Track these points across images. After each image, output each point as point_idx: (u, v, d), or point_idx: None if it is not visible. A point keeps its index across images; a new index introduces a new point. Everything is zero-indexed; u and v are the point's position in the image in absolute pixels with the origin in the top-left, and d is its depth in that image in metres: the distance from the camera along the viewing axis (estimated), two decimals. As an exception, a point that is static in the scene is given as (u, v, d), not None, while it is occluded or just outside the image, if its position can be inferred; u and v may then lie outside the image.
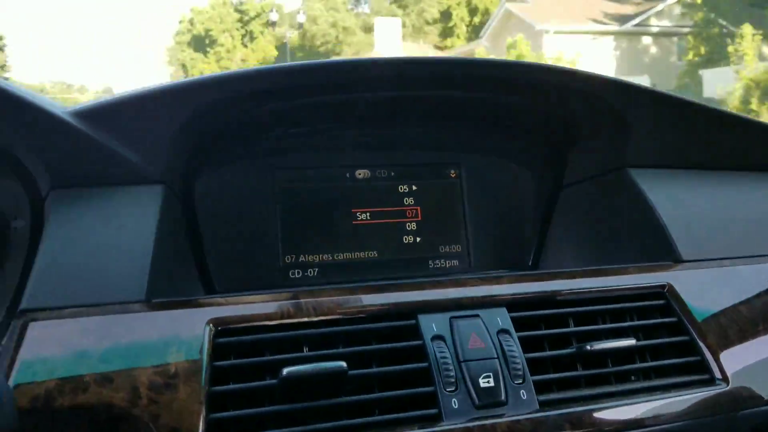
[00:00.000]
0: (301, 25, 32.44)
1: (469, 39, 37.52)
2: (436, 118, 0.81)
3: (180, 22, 45.74)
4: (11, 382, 0.45)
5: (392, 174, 0.82)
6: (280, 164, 0.79)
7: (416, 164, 0.84)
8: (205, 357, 0.50)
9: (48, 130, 0.56)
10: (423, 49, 33.24)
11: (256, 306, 0.55)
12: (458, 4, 36.83)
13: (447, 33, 37.46)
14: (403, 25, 36.42)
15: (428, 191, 0.84)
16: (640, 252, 0.76)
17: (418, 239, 0.82)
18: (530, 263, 0.87)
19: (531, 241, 0.87)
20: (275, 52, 42.74)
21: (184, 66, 45.19)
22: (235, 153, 0.76)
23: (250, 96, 0.67)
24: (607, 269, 0.68)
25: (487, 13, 36.54)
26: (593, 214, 0.82)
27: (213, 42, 42.31)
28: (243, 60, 41.79)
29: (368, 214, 0.81)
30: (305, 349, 0.54)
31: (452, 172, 0.85)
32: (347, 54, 34.29)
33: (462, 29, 37.41)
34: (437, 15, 36.47)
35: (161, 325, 0.51)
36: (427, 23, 36.86)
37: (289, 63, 0.66)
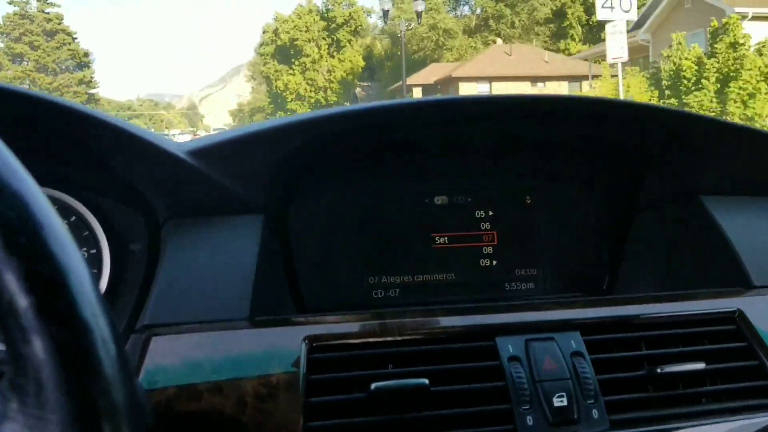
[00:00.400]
0: (410, 23, 28.95)
1: (585, 40, 32.78)
2: (513, 147, 0.85)
3: (263, 32, 43.79)
4: None
5: (469, 200, 0.86)
6: (364, 191, 0.83)
7: (492, 190, 0.87)
8: (302, 370, 0.55)
9: (167, 167, 0.62)
10: (537, 51, 28.51)
11: (347, 325, 0.60)
12: (573, 1, 32.22)
13: (560, 34, 32.95)
14: (511, 25, 32.24)
15: (504, 216, 0.87)
16: (712, 277, 0.78)
17: (494, 262, 0.85)
18: (603, 287, 0.89)
19: (604, 265, 0.89)
20: (362, 62, 39.66)
21: (268, 78, 42.66)
22: (324, 182, 0.82)
23: (344, 134, 0.74)
24: (678, 294, 0.71)
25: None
26: (665, 239, 0.85)
27: (298, 52, 39.75)
28: (329, 71, 38.94)
29: (446, 238, 0.84)
30: (390, 366, 0.58)
31: (527, 197, 0.87)
32: (447, 59, 30.36)
33: (577, 30, 32.74)
34: (549, 14, 31.96)
35: (263, 341, 0.57)
36: (538, 23, 32.46)
37: (386, 102, 0.72)
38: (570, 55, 29.16)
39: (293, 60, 40.06)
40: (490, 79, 26.13)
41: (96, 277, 0.60)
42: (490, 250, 0.86)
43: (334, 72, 39.26)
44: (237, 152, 0.66)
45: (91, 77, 55.56)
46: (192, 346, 0.55)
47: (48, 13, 52.68)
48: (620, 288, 0.88)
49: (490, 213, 0.87)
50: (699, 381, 0.62)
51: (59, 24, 53.46)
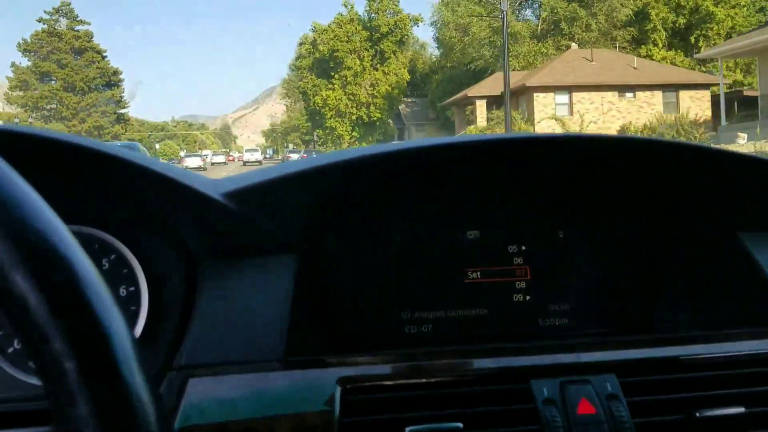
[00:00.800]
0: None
1: (670, 46, 28.45)
2: (547, 182, 0.85)
3: (300, 44, 40.72)
4: (176, 426, 0.54)
5: (501, 234, 0.85)
6: (396, 227, 0.83)
7: (525, 225, 0.86)
8: (336, 413, 0.55)
9: (204, 209, 0.63)
10: (621, 56, 24.11)
11: (380, 367, 0.61)
12: (657, 1, 27.94)
13: (640, 39, 28.71)
14: (587, 28, 28.13)
15: (537, 251, 0.86)
16: (750, 315, 0.77)
17: (527, 297, 0.85)
18: (638, 322, 0.88)
19: (638, 301, 0.88)
20: (407, 76, 35.91)
21: (305, 93, 39.20)
22: (356, 219, 0.82)
23: (381, 175, 0.75)
24: (716, 335, 0.70)
25: (696, 11, 27.56)
26: (702, 276, 0.84)
27: (339, 65, 36.33)
28: (372, 84, 35.25)
29: (479, 273, 0.84)
30: (423, 409, 0.58)
31: (560, 232, 0.86)
32: (513, 67, 26.26)
33: (661, 34, 28.38)
34: (631, 15, 27.72)
35: (298, 383, 0.58)
36: (616, 26, 28.27)
37: (425, 142, 0.72)
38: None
39: (333, 73, 36.38)
40: (570, 89, 22.14)
41: (134, 315, 0.64)
42: (522, 285, 0.85)
43: (377, 86, 35.57)
44: (273, 194, 0.66)
45: (121, 96, 53.28)
46: (228, 387, 0.57)
47: (77, 31, 50.55)
48: (655, 324, 0.86)
49: (523, 248, 0.85)
50: (739, 425, 0.60)
51: (88, 42, 51.23)
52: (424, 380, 0.59)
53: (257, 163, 45.16)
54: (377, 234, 0.82)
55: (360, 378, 0.58)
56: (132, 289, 0.65)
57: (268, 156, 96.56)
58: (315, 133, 41.21)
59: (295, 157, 32.91)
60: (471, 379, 0.60)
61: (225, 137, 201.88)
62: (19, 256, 0.28)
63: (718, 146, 0.76)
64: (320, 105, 36.82)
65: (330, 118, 37.03)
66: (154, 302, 0.65)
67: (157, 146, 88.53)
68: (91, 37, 49.70)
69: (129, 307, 0.64)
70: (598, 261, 0.87)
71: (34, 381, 0.61)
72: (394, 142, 0.87)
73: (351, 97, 36.53)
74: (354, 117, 36.68)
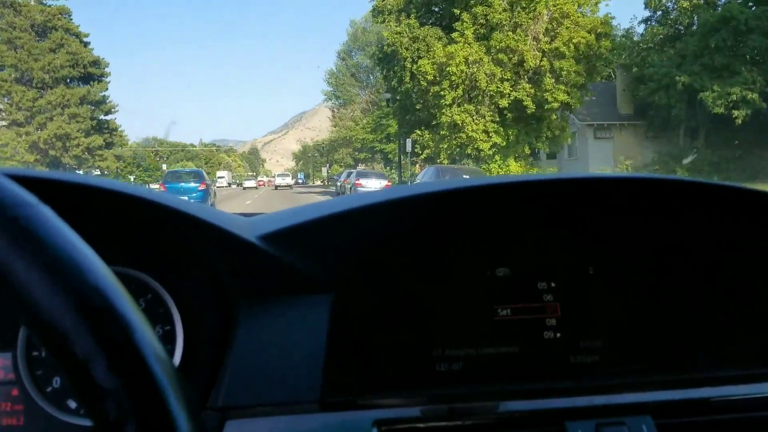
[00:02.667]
0: None
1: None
2: (577, 219, 0.85)
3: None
4: None
5: (531, 271, 0.84)
6: (428, 264, 0.83)
7: (554, 261, 0.85)
8: None
9: (239, 252, 0.65)
10: None
11: (415, 409, 0.62)
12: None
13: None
14: None
15: (567, 288, 0.85)
16: None
17: (558, 335, 0.83)
18: (672, 360, 0.87)
19: (673, 339, 0.86)
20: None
21: (392, 59, 22.52)
22: (390, 258, 0.82)
23: (417, 217, 0.76)
24: (752, 374, 0.69)
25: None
26: (738, 314, 0.83)
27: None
28: (550, 31, 18.24)
29: (509, 310, 0.83)
30: None
31: (590, 268, 0.85)
32: None
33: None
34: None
35: (335, 426, 0.59)
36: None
37: (462, 183, 0.73)
38: None
39: (456, 12, 19.06)
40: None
41: (169, 353, 0.65)
42: (553, 322, 0.84)
43: (560, 34, 18.15)
44: (309, 236, 0.68)
45: (104, 96, 39.09)
46: (265, 429, 0.58)
47: (47, 5, 35.99)
48: (689, 362, 0.85)
49: (553, 284, 0.85)
50: None
51: (61, 20, 36.06)
52: (459, 423, 0.60)
53: (288, 188, 46.53)
54: (409, 271, 0.82)
55: (396, 420, 0.59)
56: (167, 328, 0.66)
57: (300, 182, 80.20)
58: (411, 140, 22.53)
59: (371, 184, 18.47)
60: (506, 421, 0.60)
61: (253, 161, 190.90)
62: (81, 318, 0.29)
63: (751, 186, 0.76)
64: (429, 76, 18.82)
65: (450, 105, 18.70)
66: (190, 341, 0.66)
67: (164, 167, 72.18)
68: (68, 15, 35.64)
69: (165, 345, 0.65)
70: (630, 298, 0.86)
71: (72, 420, 0.62)
72: (445, 180, 0.85)
73: (501, 55, 18.30)
74: (505, 102, 18.59)
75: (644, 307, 0.85)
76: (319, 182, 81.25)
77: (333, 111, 56.53)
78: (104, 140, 37.97)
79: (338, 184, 25.25)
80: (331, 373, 0.64)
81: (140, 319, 0.33)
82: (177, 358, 0.64)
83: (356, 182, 19.17)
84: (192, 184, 15.61)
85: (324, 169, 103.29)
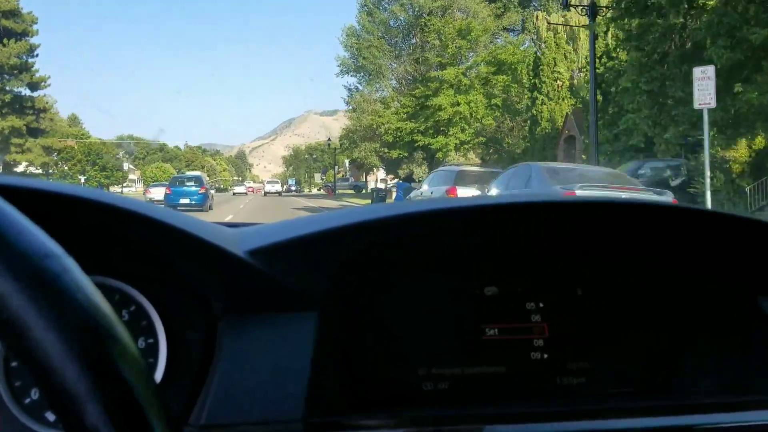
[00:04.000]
0: None
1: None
2: (567, 240, 0.84)
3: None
4: None
5: (519, 291, 0.84)
6: (414, 283, 0.82)
7: (543, 281, 0.85)
8: None
9: (226, 266, 0.64)
10: None
11: (399, 431, 0.63)
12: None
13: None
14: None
15: (555, 308, 0.84)
16: None
17: (545, 356, 0.83)
18: (659, 384, 0.86)
19: (660, 363, 0.86)
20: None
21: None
22: (376, 276, 0.82)
23: (406, 236, 0.75)
24: (740, 402, 0.70)
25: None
26: (724, 340, 0.83)
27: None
28: None
29: (496, 329, 0.82)
30: None
31: (579, 289, 0.85)
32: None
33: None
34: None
35: None
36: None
37: (450, 202, 0.74)
38: None
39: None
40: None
41: (151, 366, 0.64)
42: (540, 342, 0.83)
43: None
44: (298, 253, 0.67)
45: (27, 62, 28.59)
46: None
47: None
48: (675, 387, 0.85)
49: (541, 304, 0.84)
50: None
51: None
52: None
53: (276, 194, 47.85)
54: (395, 289, 0.81)
55: None
56: (151, 340, 0.65)
57: (293, 189, 70.26)
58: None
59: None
60: None
61: (240, 165, 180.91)
62: (70, 344, 0.30)
63: (736, 213, 0.77)
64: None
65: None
66: (173, 355, 0.65)
67: (126, 166, 60.40)
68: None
69: (147, 359, 0.64)
70: (617, 320, 0.85)
71: None
72: (415, 200, 0.85)
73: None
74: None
75: (632, 330, 0.84)
76: (315, 190, 70.74)
77: (350, 93, 35.67)
78: (26, 124, 27.23)
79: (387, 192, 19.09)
80: (315, 392, 0.63)
81: (122, 331, 0.33)
82: (159, 372, 0.64)
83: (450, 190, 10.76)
84: (193, 188, 18.84)
85: (318, 175, 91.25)
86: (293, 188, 70.96)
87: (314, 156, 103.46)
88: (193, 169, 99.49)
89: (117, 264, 0.65)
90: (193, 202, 18.81)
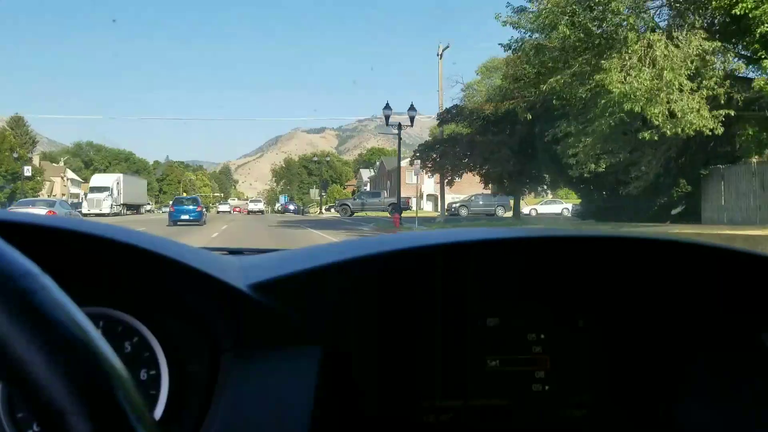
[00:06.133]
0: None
1: None
2: (569, 273, 0.84)
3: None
4: None
5: (521, 323, 0.83)
6: (417, 314, 0.82)
7: (544, 312, 0.84)
8: None
9: (230, 300, 0.64)
10: None
11: None
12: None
13: None
14: None
15: (557, 340, 0.84)
16: None
17: (546, 387, 0.83)
18: (660, 418, 0.86)
19: (661, 397, 0.86)
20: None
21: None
22: (380, 308, 0.81)
23: (410, 269, 0.75)
24: None
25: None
26: (726, 376, 0.83)
27: None
28: None
29: (498, 361, 0.82)
30: None
31: (580, 321, 0.84)
32: None
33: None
34: None
35: None
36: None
37: (453, 236, 0.73)
38: None
39: None
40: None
41: (153, 399, 0.64)
42: (542, 374, 0.83)
43: None
44: (301, 287, 0.67)
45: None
46: None
47: None
48: (677, 421, 0.85)
49: (542, 336, 0.84)
50: None
51: None
52: None
53: (260, 213, 49.76)
54: (398, 321, 0.80)
55: None
56: (153, 372, 0.65)
57: (292, 209, 54.84)
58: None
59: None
60: None
61: (224, 181, 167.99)
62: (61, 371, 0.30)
63: (740, 247, 0.77)
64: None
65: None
66: (175, 387, 0.64)
67: (28, 170, 45.71)
68: None
69: (149, 390, 0.64)
70: (619, 353, 0.85)
71: None
72: (420, 232, 0.84)
73: None
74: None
75: (633, 362, 0.83)
76: (326, 210, 53.45)
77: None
78: None
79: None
80: (318, 427, 0.63)
81: (103, 344, 0.33)
82: (161, 405, 0.63)
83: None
84: (191, 207, 24.03)
85: (313, 191, 75.53)
86: (291, 208, 55.51)
87: (308, 168, 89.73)
88: (168, 185, 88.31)
89: (120, 296, 0.64)
90: (192, 218, 23.54)
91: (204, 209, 25.79)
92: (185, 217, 23.36)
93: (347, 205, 37.60)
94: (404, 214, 26.03)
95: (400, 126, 24.49)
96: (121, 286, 0.64)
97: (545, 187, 30.93)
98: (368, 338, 0.78)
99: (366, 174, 74.42)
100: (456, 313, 0.81)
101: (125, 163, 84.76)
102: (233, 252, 0.83)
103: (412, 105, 25.04)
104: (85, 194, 48.90)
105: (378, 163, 71.62)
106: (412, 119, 24.82)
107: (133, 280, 0.64)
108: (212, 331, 0.66)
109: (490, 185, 27.19)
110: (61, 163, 79.78)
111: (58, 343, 0.31)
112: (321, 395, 0.65)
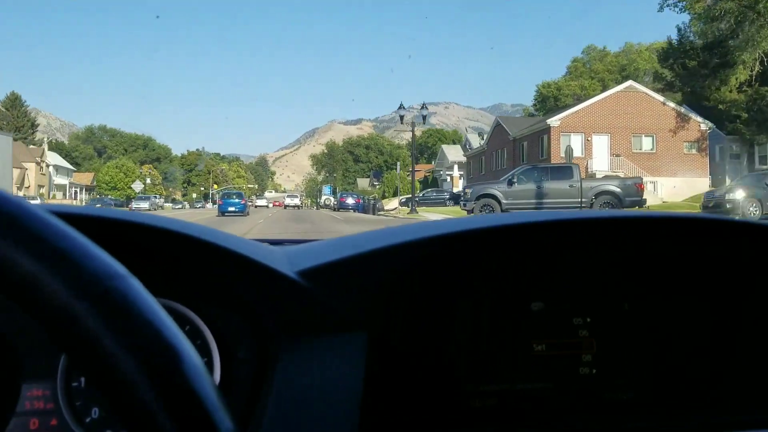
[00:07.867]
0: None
1: None
2: (614, 255, 0.84)
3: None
4: None
5: (567, 306, 0.83)
6: (461, 299, 0.81)
7: (590, 296, 0.84)
8: None
9: (277, 288, 0.65)
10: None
11: None
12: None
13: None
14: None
15: (602, 323, 0.84)
16: None
17: (593, 371, 0.82)
18: (707, 399, 0.85)
19: (708, 378, 0.85)
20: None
21: None
22: (426, 294, 0.80)
23: (455, 253, 0.75)
24: None
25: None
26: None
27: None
28: None
29: (544, 345, 0.81)
30: None
31: (626, 304, 0.84)
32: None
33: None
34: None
35: None
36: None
37: (500, 219, 0.74)
38: None
39: None
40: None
41: None
42: (588, 358, 0.83)
43: None
44: (348, 273, 0.68)
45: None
46: None
47: None
48: (724, 403, 0.84)
49: (588, 320, 0.84)
50: None
51: None
52: None
53: (296, 208, 49.39)
54: (443, 306, 0.81)
55: None
56: (205, 360, 0.66)
57: (351, 206, 37.51)
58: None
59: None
60: None
61: (261, 173, 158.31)
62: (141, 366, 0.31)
63: None
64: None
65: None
66: (226, 374, 0.66)
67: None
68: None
69: None
70: (665, 335, 0.85)
71: None
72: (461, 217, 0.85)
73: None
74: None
75: (679, 345, 0.83)
76: (406, 208, 32.55)
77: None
78: None
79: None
80: (367, 411, 0.64)
81: (187, 344, 0.34)
82: None
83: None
84: (237, 200, 27.74)
85: (361, 180, 61.62)
86: (350, 202, 38.39)
87: (354, 154, 77.25)
88: (197, 176, 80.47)
89: (172, 285, 0.66)
90: (237, 210, 27.27)
91: (247, 201, 30.03)
92: (232, 209, 27.13)
93: (494, 196, 17.75)
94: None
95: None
96: (171, 276, 0.65)
97: None
98: (413, 323, 0.77)
99: (451, 152, 52.13)
100: (499, 297, 0.81)
101: (143, 150, 75.66)
102: (274, 243, 0.84)
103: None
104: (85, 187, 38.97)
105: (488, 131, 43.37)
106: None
107: (185, 270, 0.65)
108: (260, 318, 0.67)
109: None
110: (45, 146, 59.44)
111: (147, 343, 0.32)
112: (368, 380, 0.65)
